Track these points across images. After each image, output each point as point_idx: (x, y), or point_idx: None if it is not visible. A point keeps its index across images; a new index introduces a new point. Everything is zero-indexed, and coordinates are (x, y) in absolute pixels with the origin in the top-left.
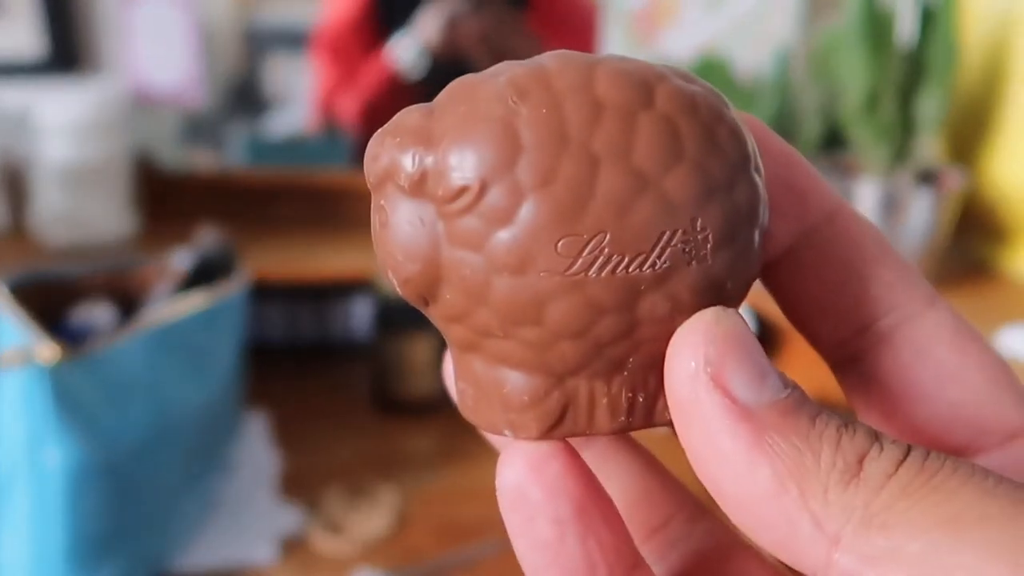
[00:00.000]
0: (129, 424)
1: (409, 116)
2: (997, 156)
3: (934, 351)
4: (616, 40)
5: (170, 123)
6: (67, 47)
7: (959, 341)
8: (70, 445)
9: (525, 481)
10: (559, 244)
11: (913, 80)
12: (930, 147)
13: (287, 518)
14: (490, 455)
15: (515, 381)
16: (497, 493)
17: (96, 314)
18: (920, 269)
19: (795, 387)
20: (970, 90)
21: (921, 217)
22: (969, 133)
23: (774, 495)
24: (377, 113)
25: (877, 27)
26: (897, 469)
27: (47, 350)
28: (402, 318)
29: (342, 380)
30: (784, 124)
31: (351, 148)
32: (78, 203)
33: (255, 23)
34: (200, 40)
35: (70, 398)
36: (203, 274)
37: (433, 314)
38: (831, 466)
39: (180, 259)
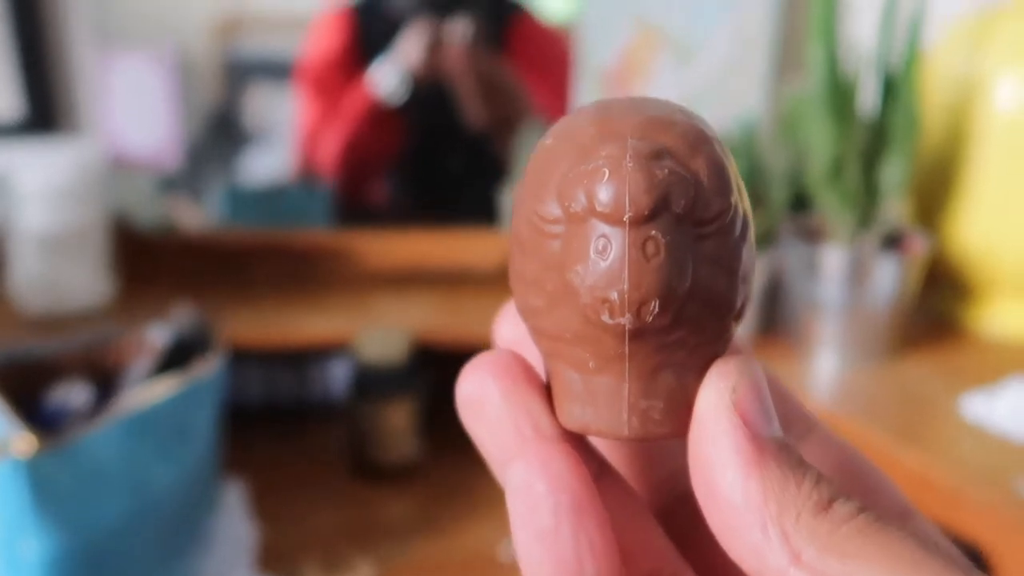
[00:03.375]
0: (106, 510)
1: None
2: (962, 216)
3: None
4: (588, 95)
5: (147, 183)
6: (45, 108)
7: None
8: (47, 535)
9: (532, 474)
10: None
11: (876, 147)
12: (895, 211)
13: None
14: (468, 523)
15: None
16: (506, 485)
17: (72, 395)
18: (887, 330)
19: (793, 443)
20: (934, 152)
21: (886, 281)
22: (934, 194)
23: (757, 505)
24: (359, 143)
25: (840, 95)
26: (857, 515)
27: (23, 441)
28: (379, 383)
29: (320, 444)
30: (752, 186)
31: (330, 200)
32: (55, 269)
33: (236, 53)
34: (178, 101)
35: (47, 489)
36: (179, 350)
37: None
38: (808, 497)
39: (157, 334)
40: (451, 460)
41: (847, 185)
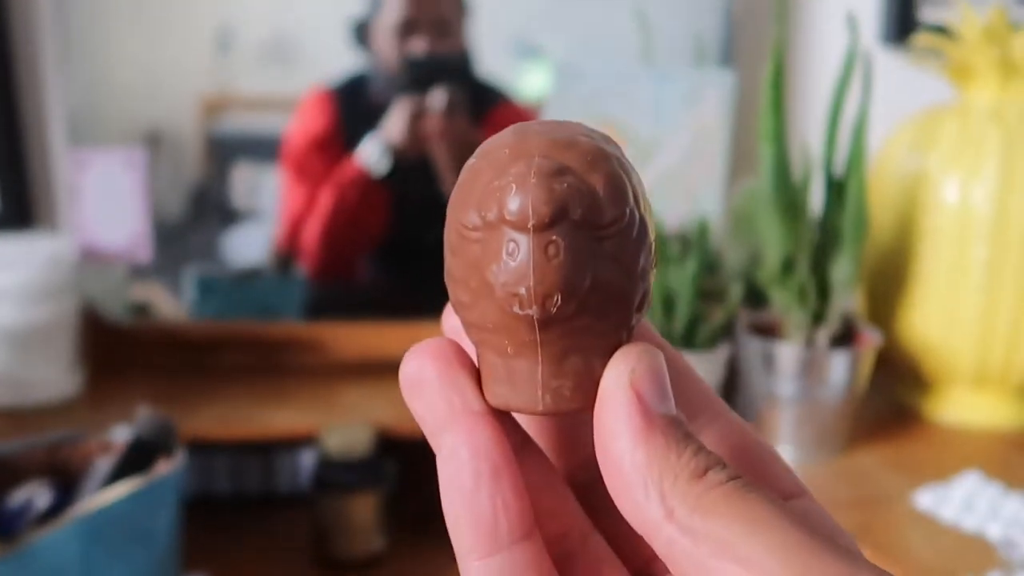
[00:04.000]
0: None
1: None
2: (913, 310)
3: None
4: None
5: (118, 277)
6: (17, 205)
7: None
8: None
9: (458, 443)
10: None
11: (826, 245)
12: (847, 306)
13: None
14: None
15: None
16: (439, 452)
17: (34, 496)
18: (841, 424)
19: (685, 420)
20: (883, 248)
21: (839, 375)
22: (885, 289)
23: (641, 469)
24: (343, 219)
25: (789, 195)
26: (727, 482)
27: None
28: (343, 476)
29: (286, 536)
30: (710, 281)
31: (305, 288)
32: (22, 364)
33: (220, 131)
34: (148, 200)
35: None
36: (141, 451)
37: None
38: (686, 465)
39: (119, 435)
40: (417, 552)
41: (798, 282)
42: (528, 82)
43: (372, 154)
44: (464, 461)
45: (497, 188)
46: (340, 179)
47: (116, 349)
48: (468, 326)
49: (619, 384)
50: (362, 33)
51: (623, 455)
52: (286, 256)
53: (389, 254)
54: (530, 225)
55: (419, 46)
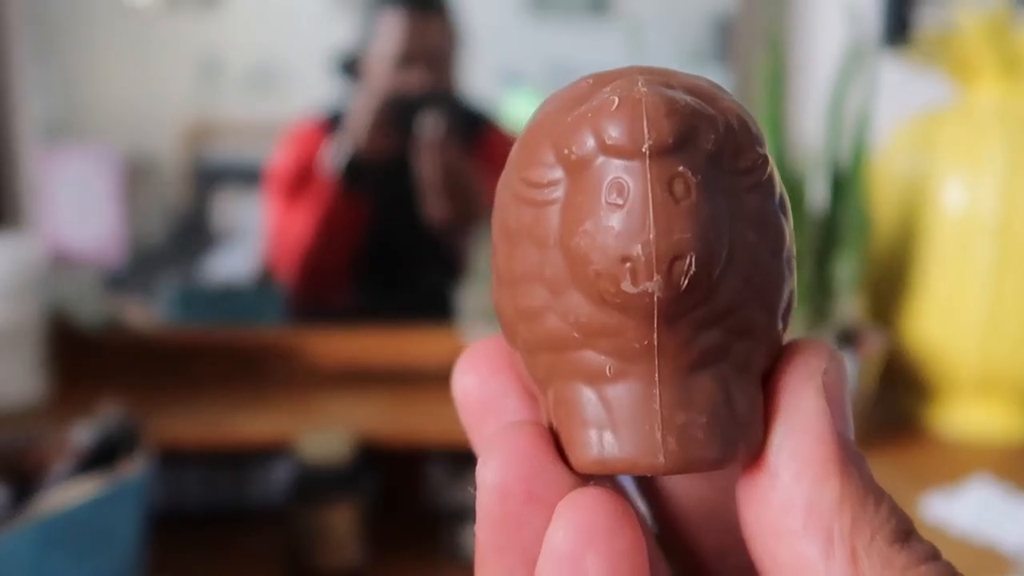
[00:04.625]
0: None
1: None
2: (915, 315)
3: None
4: None
5: (90, 280)
6: None
7: None
8: None
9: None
10: None
11: (828, 244)
12: (849, 308)
13: None
14: None
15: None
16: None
17: None
18: None
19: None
20: (885, 249)
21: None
22: (887, 292)
23: (829, 511)
24: (323, 229)
25: (789, 193)
26: (934, 560)
27: None
28: (320, 485)
29: (258, 550)
30: None
31: (284, 300)
32: None
33: (204, 158)
34: (125, 199)
35: None
36: (104, 452)
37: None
38: (885, 521)
39: (81, 435)
40: (396, 566)
41: (800, 282)
42: (512, 108)
43: (336, 154)
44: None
45: (586, 112)
46: (318, 195)
47: (85, 355)
48: (536, 351)
49: (811, 386)
50: (351, 65)
51: (798, 485)
52: (266, 271)
53: (366, 272)
54: (645, 148)
55: (413, 79)
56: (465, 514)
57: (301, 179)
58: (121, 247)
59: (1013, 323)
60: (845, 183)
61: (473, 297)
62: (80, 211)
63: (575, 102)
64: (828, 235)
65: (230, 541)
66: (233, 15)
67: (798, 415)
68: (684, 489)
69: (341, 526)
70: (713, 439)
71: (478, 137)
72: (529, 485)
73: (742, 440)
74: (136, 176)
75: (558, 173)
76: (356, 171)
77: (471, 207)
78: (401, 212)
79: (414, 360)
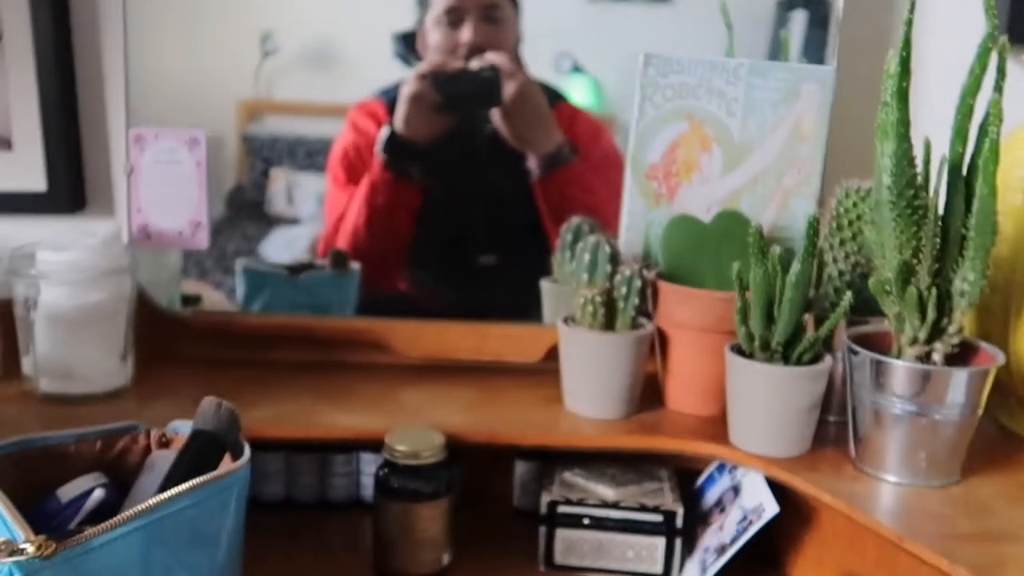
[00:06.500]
0: None
1: None
2: None
3: None
4: (634, 187)
5: (173, 264)
6: (72, 187)
7: None
8: None
9: None
10: None
11: (949, 252)
12: (964, 321)
13: None
14: None
15: None
16: None
17: (87, 491)
18: (957, 447)
19: None
20: (999, 259)
21: (956, 396)
22: (998, 303)
23: None
24: (372, 213)
25: (911, 197)
26: None
27: (32, 544)
28: (409, 482)
29: (344, 544)
30: (812, 290)
31: (357, 286)
32: (73, 350)
33: (261, 136)
34: (208, 183)
35: None
36: (204, 447)
37: None
38: None
39: (179, 430)
40: (481, 564)
41: (917, 292)
42: (572, 93)
43: (382, 139)
44: None
45: None
46: (370, 176)
47: (169, 338)
48: None
49: None
50: (408, 43)
51: None
52: (339, 254)
53: (424, 261)
54: None
55: (466, 35)
56: (549, 514)
57: (358, 161)
58: (204, 229)
59: None
60: (971, 190)
61: (559, 294)
62: (165, 195)
63: None
64: (946, 242)
65: (312, 535)
66: None
67: None
68: None
69: (430, 525)
70: None
71: (553, 107)
72: None
73: None
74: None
75: None
76: (400, 153)
77: (547, 132)
78: (453, 195)
79: (498, 354)
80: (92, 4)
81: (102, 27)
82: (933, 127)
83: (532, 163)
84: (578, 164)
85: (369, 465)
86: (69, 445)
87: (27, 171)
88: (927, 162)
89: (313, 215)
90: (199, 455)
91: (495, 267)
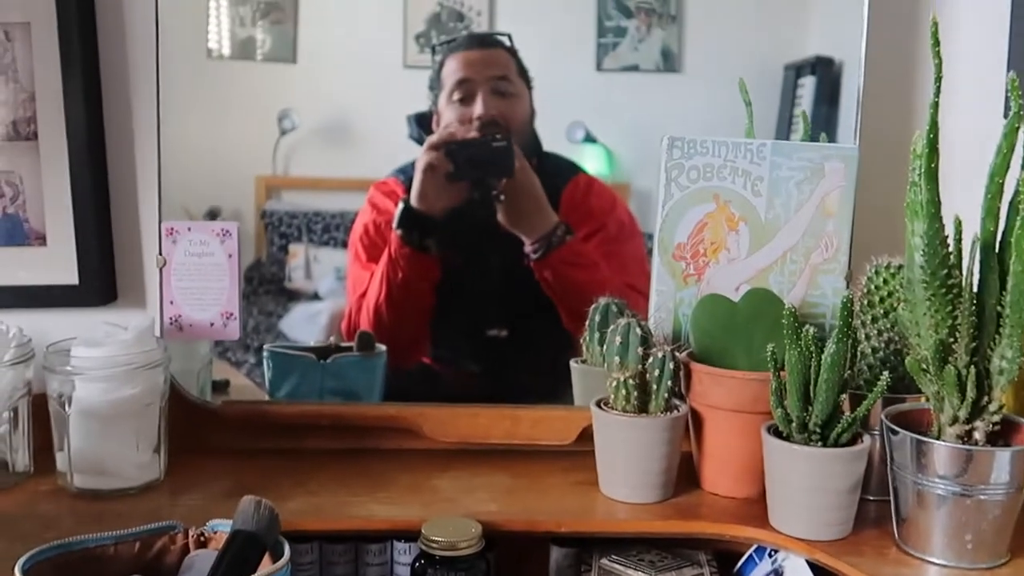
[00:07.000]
0: None
1: None
2: None
3: None
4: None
5: (203, 354)
6: (104, 280)
7: None
8: None
9: None
10: None
11: (985, 330)
12: (1003, 398)
13: None
14: None
15: None
16: None
17: None
18: (1003, 528)
19: None
20: None
21: (1001, 475)
22: None
23: None
24: (392, 287)
25: (944, 276)
26: None
27: None
28: (446, 574)
29: None
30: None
31: (385, 368)
32: (106, 446)
33: (282, 210)
34: (238, 274)
35: None
36: (243, 549)
37: None
38: None
39: (217, 529)
40: None
41: (955, 371)
42: (586, 162)
43: (397, 214)
44: None
45: None
46: (389, 252)
47: (199, 428)
48: None
49: None
50: (423, 124)
51: None
52: (366, 336)
53: (445, 333)
54: None
55: (478, 109)
56: None
57: (378, 238)
58: (236, 321)
59: None
60: (1004, 267)
61: (589, 374)
62: (197, 287)
63: None
64: (981, 320)
65: None
66: (309, 70)
67: None
68: None
69: None
70: None
71: (569, 181)
72: None
73: None
74: None
75: None
76: (416, 227)
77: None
78: (471, 266)
79: (532, 438)
80: (125, 97)
81: (135, 121)
82: (959, 204)
83: (528, 247)
84: (575, 243)
85: (403, 555)
86: (108, 547)
87: (60, 265)
88: (959, 240)
89: (332, 290)
90: (239, 555)
91: (507, 339)
